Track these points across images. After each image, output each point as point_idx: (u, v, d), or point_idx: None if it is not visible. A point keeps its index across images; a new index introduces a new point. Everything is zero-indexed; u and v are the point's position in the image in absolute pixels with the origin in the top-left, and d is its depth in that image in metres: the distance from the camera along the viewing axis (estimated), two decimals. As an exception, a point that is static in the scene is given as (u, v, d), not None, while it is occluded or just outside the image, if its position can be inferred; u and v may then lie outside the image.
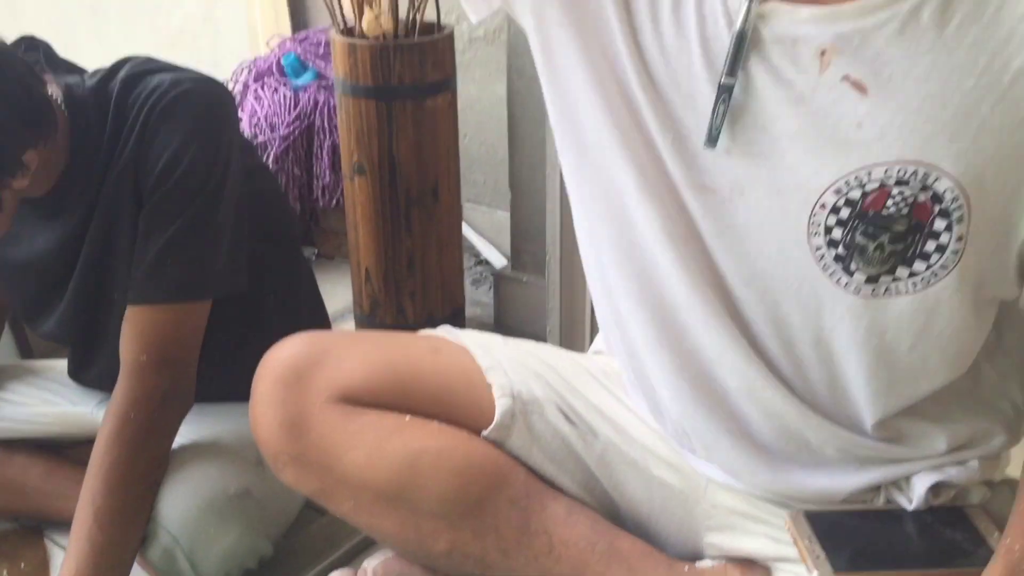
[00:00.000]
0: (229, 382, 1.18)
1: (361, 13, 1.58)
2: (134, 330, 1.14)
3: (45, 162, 1.12)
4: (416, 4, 1.63)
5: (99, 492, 1.08)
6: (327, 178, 2.13)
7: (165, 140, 1.11)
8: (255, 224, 1.23)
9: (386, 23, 1.58)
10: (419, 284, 1.74)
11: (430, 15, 1.67)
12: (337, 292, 2.01)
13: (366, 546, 1.26)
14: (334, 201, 2.14)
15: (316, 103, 2.13)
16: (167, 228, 1.12)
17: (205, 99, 1.14)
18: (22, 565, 1.32)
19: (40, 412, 1.40)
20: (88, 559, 1.05)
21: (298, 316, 1.36)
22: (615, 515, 0.99)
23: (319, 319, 1.44)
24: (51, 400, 1.40)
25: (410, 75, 1.60)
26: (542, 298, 1.84)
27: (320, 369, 0.95)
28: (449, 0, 1.88)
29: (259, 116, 2.12)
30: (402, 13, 1.64)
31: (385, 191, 1.67)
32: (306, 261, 1.45)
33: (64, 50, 1.27)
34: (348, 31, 1.65)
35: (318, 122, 2.13)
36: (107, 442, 1.10)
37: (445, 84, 1.66)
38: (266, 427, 0.95)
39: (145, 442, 1.11)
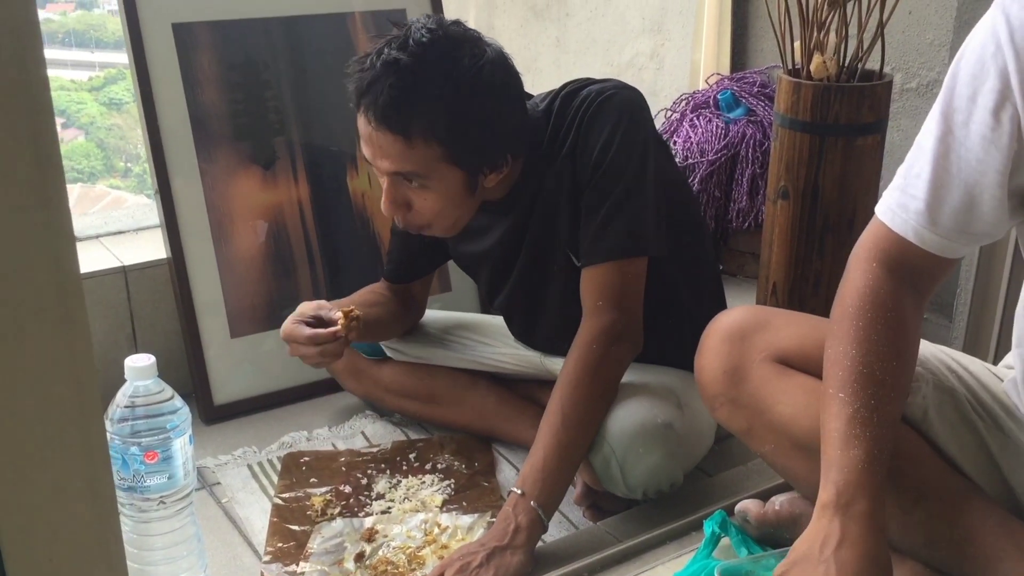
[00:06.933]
0: (648, 347, 1.43)
1: (810, 57, 1.80)
2: (590, 285, 1.40)
3: (509, 173, 1.43)
4: (859, 55, 1.82)
5: (568, 402, 1.33)
6: (743, 202, 2.36)
7: (598, 133, 1.39)
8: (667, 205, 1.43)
9: (831, 67, 1.78)
10: (821, 303, 1.91)
11: (872, 64, 1.84)
12: (734, 305, 2.22)
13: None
14: (746, 224, 2.37)
15: (744, 136, 2.37)
16: (605, 201, 1.37)
17: (625, 100, 1.40)
18: (476, 464, 1.67)
19: (502, 352, 1.73)
20: (554, 451, 1.31)
21: (703, 303, 1.55)
22: (1011, 502, 1.09)
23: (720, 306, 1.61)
24: (511, 345, 1.73)
25: (846, 115, 1.79)
26: (940, 334, 1.93)
27: (761, 333, 1.16)
28: (891, 51, 2.03)
29: (692, 142, 2.40)
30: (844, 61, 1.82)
31: (805, 216, 1.86)
32: (710, 250, 1.61)
33: (529, 73, 1.60)
34: (795, 72, 1.87)
35: (742, 152, 2.37)
36: (575, 366, 1.35)
37: (876, 126, 1.82)
38: (710, 372, 1.18)
39: (602, 368, 1.35)
